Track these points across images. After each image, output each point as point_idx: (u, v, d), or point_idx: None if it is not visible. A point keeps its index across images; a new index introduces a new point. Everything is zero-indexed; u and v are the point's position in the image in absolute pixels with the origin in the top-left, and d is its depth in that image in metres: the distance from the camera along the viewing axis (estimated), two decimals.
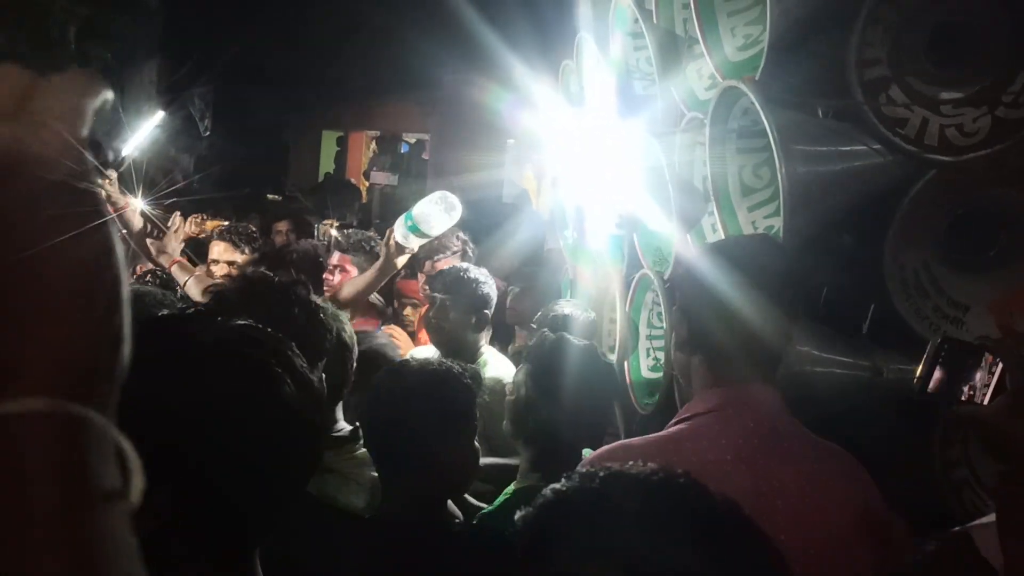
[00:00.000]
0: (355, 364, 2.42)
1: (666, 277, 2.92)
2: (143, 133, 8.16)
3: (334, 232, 4.36)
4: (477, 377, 2.18)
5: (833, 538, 1.57)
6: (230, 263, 4.25)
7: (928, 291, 2.09)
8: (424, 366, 2.17)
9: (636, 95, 3.11)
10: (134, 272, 4.10)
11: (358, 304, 3.57)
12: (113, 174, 3.82)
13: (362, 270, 3.99)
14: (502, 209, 6.98)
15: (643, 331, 3.13)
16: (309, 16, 10.17)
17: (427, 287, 3.89)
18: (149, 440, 1.02)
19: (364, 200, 12.01)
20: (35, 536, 0.49)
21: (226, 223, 4.84)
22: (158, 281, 3.76)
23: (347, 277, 3.90)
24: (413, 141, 13.77)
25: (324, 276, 3.98)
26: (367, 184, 12.94)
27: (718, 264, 1.66)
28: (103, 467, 0.54)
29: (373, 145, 14.11)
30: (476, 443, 2.14)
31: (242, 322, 1.16)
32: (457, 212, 3.29)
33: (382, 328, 4.03)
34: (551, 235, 4.56)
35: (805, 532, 1.52)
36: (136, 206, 4.24)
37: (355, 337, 2.61)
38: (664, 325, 2.93)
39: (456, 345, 3.30)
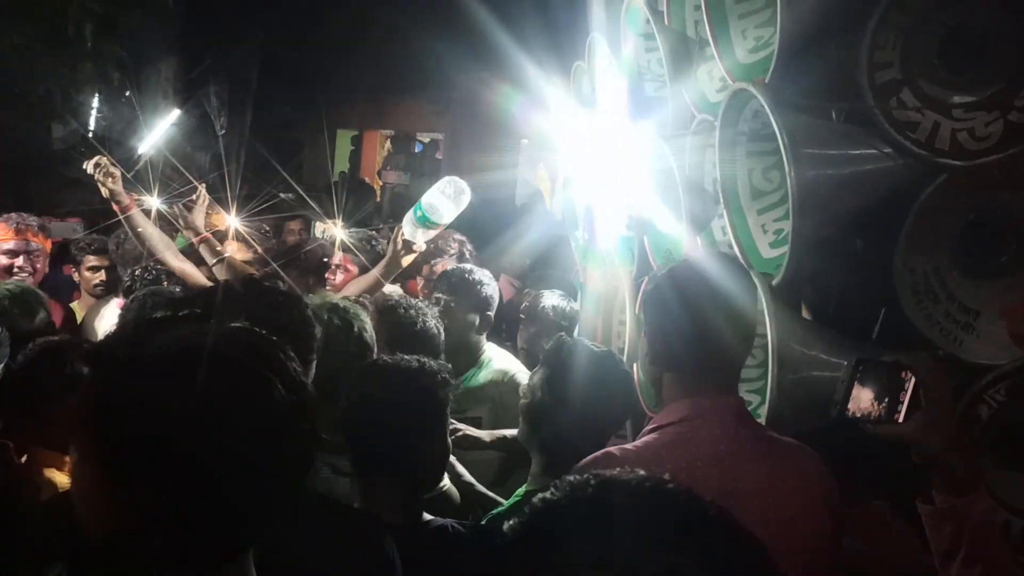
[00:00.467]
0: None
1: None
2: (159, 131, 8.21)
3: (338, 232, 4.37)
4: (451, 373, 2.21)
5: (797, 527, 1.70)
6: (244, 261, 4.28)
7: (939, 296, 2.08)
8: (399, 364, 2.18)
9: (647, 97, 3.10)
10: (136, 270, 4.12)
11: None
12: (118, 172, 3.83)
13: (364, 269, 4.01)
14: (515, 209, 6.98)
15: None
16: (325, 16, 10.20)
17: (427, 289, 3.91)
18: (138, 439, 1.03)
19: (378, 199, 12.04)
20: None
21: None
22: (150, 277, 3.78)
23: (349, 277, 3.92)
24: (427, 140, 13.79)
25: (327, 275, 4.00)
26: (381, 183, 12.98)
27: (685, 286, 1.80)
28: None
29: (388, 144, 14.14)
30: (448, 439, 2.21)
31: (234, 324, 1.16)
32: (466, 196, 3.31)
33: None
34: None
35: (772, 525, 1.61)
36: (152, 204, 4.27)
37: (374, 337, 2.64)
38: None
39: (459, 345, 3.32)
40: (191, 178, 4.77)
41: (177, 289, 3.51)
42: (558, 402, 2.36)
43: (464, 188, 3.32)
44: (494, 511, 2.46)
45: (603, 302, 3.57)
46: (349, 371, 2.21)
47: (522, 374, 3.23)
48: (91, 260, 4.66)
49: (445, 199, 3.33)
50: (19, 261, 4.32)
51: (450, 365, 2.27)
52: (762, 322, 2.08)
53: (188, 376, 1.04)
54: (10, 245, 4.34)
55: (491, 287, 3.42)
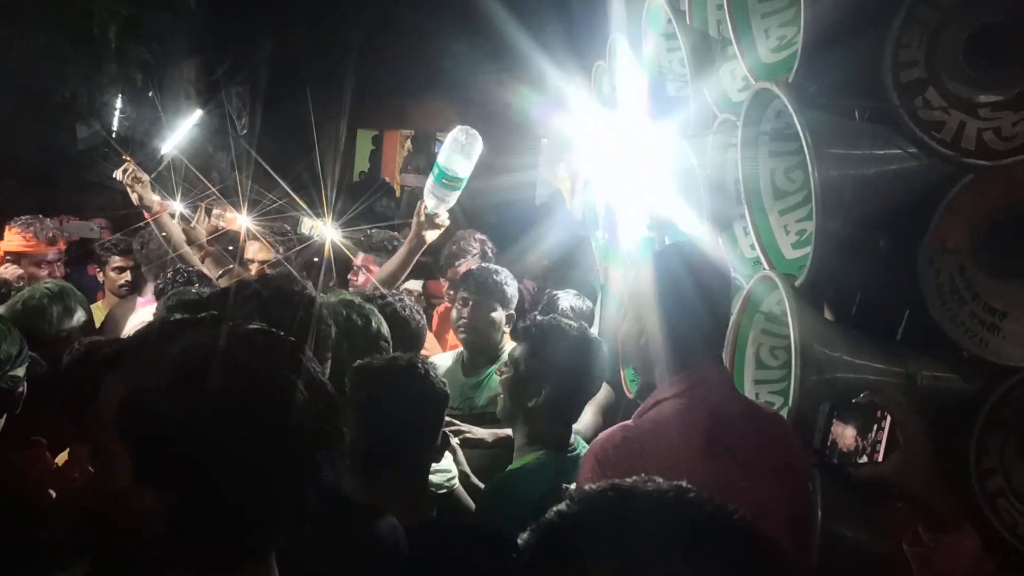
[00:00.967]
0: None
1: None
2: (181, 132, 8.26)
3: (327, 230, 4.36)
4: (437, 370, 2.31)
5: (793, 476, 1.94)
6: (263, 262, 4.30)
7: (964, 297, 2.06)
8: (396, 363, 2.20)
9: (668, 96, 3.09)
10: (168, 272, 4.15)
11: (389, 287, 3.59)
12: (146, 178, 3.87)
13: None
14: (535, 209, 6.96)
15: None
16: (345, 16, 10.22)
17: (453, 290, 3.91)
18: (160, 441, 1.03)
19: (397, 198, 12.04)
20: None
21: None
22: (182, 280, 3.81)
23: (371, 279, 3.93)
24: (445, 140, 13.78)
25: (349, 276, 4.02)
26: (401, 184, 12.99)
27: (677, 266, 1.98)
28: None
29: (408, 144, 14.14)
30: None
31: (255, 327, 1.16)
32: (478, 143, 3.30)
33: None
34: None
35: (776, 476, 1.87)
36: (175, 209, 4.30)
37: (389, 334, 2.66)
38: None
39: (483, 344, 3.35)
40: (208, 183, 4.80)
41: (205, 291, 3.53)
42: (539, 375, 2.50)
43: (475, 135, 3.30)
44: (491, 483, 2.54)
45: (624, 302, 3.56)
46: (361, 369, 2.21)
47: None
48: (116, 261, 4.70)
49: (458, 153, 3.32)
50: (43, 271, 4.38)
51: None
52: (785, 323, 2.06)
53: (209, 380, 1.04)
54: (31, 253, 4.41)
55: (513, 286, 3.51)
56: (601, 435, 1.95)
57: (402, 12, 9.52)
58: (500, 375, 2.71)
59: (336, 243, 4.28)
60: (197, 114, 8.86)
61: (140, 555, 1.12)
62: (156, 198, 3.96)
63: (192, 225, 4.04)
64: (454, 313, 3.52)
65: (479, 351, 3.40)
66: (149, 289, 4.42)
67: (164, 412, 1.05)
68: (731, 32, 2.43)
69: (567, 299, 3.78)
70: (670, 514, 0.77)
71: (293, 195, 4.88)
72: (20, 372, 1.92)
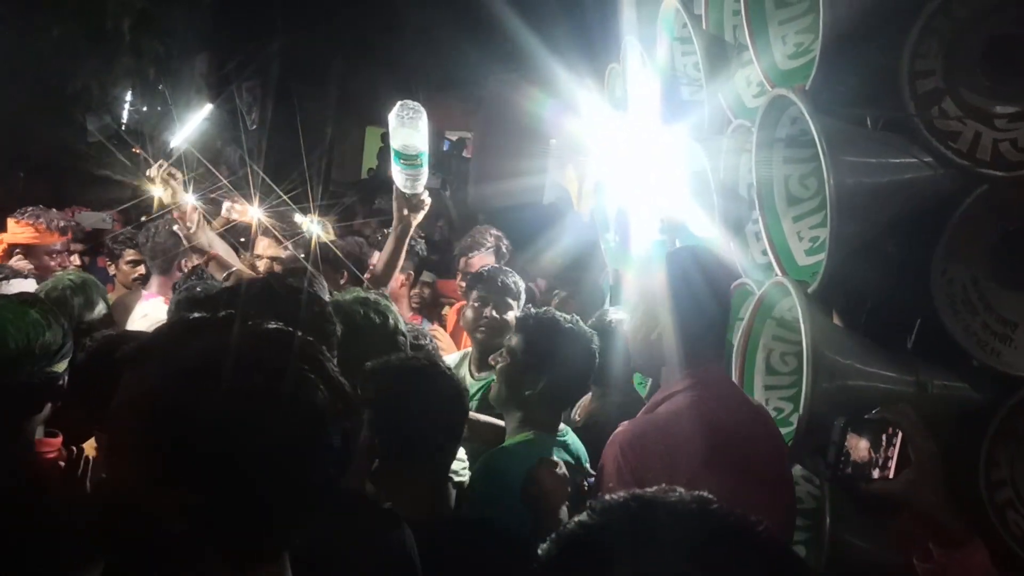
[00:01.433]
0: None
1: None
2: (191, 126, 8.27)
3: (315, 227, 4.36)
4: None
5: (783, 463, 2.10)
6: (274, 258, 4.30)
7: (976, 307, 2.06)
8: (425, 361, 2.23)
9: (682, 100, 3.09)
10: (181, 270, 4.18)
11: (389, 277, 3.59)
12: (180, 176, 3.89)
13: (403, 270, 4.02)
14: (544, 211, 6.96)
15: None
16: (356, 14, 10.23)
17: (465, 282, 3.91)
18: (179, 441, 1.04)
19: None
20: None
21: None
22: (198, 276, 3.82)
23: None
24: (455, 139, 13.79)
25: (365, 276, 4.02)
26: None
27: (690, 266, 2.05)
28: None
29: None
30: None
31: (273, 326, 1.16)
32: (422, 113, 3.25)
33: (426, 326, 4.06)
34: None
35: (774, 462, 2.03)
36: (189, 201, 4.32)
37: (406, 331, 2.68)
38: None
39: (495, 344, 3.36)
40: (220, 177, 4.81)
41: (215, 287, 3.54)
42: (534, 366, 2.58)
43: (415, 107, 3.26)
44: (482, 461, 2.55)
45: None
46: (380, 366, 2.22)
47: None
48: (130, 254, 4.72)
49: (405, 128, 3.29)
50: (53, 262, 4.40)
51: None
52: (797, 329, 2.07)
53: (230, 379, 1.04)
54: (40, 244, 4.43)
55: (522, 286, 3.54)
56: (624, 426, 2.03)
57: (415, 11, 9.52)
58: (494, 363, 2.75)
59: (334, 243, 4.29)
60: (207, 108, 8.88)
61: (154, 554, 1.12)
62: (187, 197, 3.98)
63: (193, 231, 4.05)
64: (469, 313, 3.52)
65: (493, 351, 3.41)
66: (154, 282, 4.43)
67: (183, 411, 1.05)
68: (747, 37, 2.43)
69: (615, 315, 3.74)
70: (693, 525, 0.76)
71: (283, 196, 4.89)
72: (61, 367, 1.90)
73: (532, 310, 2.83)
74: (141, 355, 1.11)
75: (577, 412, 3.17)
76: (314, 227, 4.34)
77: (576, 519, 0.81)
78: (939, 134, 2.02)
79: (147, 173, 3.91)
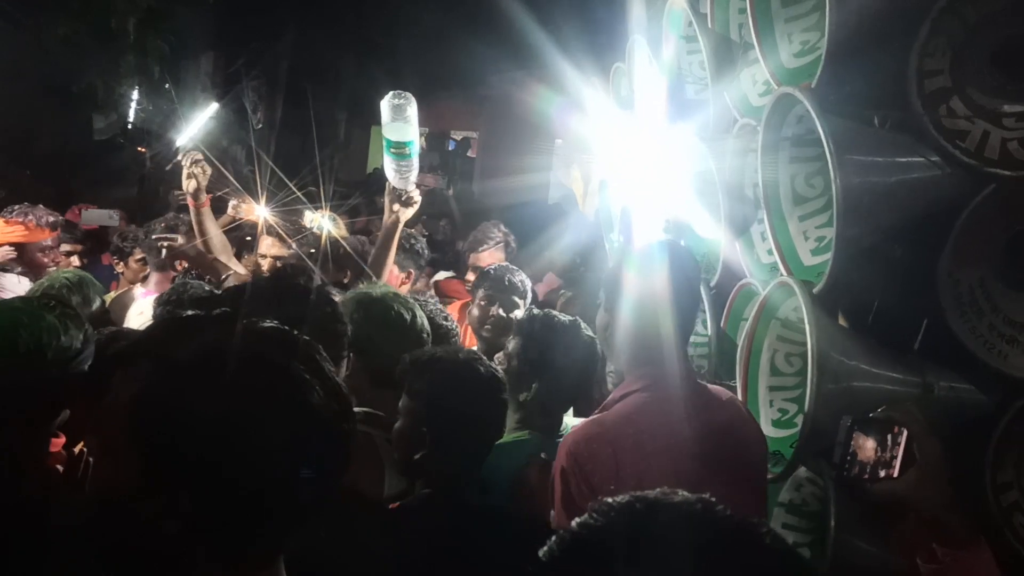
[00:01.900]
0: None
1: (713, 284, 2.89)
2: (197, 124, 8.28)
3: (325, 222, 4.35)
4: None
5: (756, 450, 2.12)
6: (277, 258, 4.31)
7: (983, 309, 2.04)
8: (471, 357, 2.23)
9: (687, 99, 3.08)
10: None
11: (380, 274, 3.59)
12: (209, 170, 3.91)
13: (402, 268, 4.02)
14: (548, 210, 6.96)
15: None
16: (362, 14, 10.23)
17: (470, 282, 3.90)
18: (172, 442, 1.02)
19: None
20: None
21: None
22: (195, 275, 3.82)
23: (389, 277, 3.92)
24: (459, 139, 13.80)
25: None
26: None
27: (647, 266, 2.08)
28: None
29: (421, 141, 14.17)
30: None
31: (271, 324, 1.15)
32: (412, 103, 3.27)
33: None
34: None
35: (741, 451, 2.06)
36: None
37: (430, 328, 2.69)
38: (708, 332, 2.90)
39: (504, 341, 3.38)
40: (228, 175, 4.81)
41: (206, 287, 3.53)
42: (533, 368, 2.61)
43: (406, 96, 3.28)
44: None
45: None
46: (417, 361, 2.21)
47: None
48: (140, 253, 4.72)
49: (397, 117, 3.31)
50: (45, 258, 4.41)
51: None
52: (802, 330, 2.05)
53: (222, 378, 1.03)
54: (31, 241, 4.44)
55: (529, 284, 3.60)
56: (575, 428, 2.08)
57: (420, 10, 9.52)
58: (498, 364, 2.78)
59: (345, 238, 4.28)
60: (213, 107, 8.89)
61: (146, 557, 1.11)
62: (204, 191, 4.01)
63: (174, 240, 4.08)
64: (475, 311, 3.52)
65: (498, 349, 3.42)
66: (152, 279, 4.44)
67: (173, 408, 1.04)
68: (753, 36, 2.42)
69: None
70: (697, 527, 0.76)
71: (296, 193, 4.89)
72: (79, 369, 1.86)
73: (531, 313, 2.85)
74: (133, 352, 1.10)
75: None
76: (325, 222, 4.34)
77: (578, 520, 0.81)
78: (947, 133, 2.00)
79: (180, 159, 3.95)
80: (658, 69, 3.23)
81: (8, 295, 3.38)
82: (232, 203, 5.51)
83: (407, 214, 3.52)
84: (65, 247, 4.77)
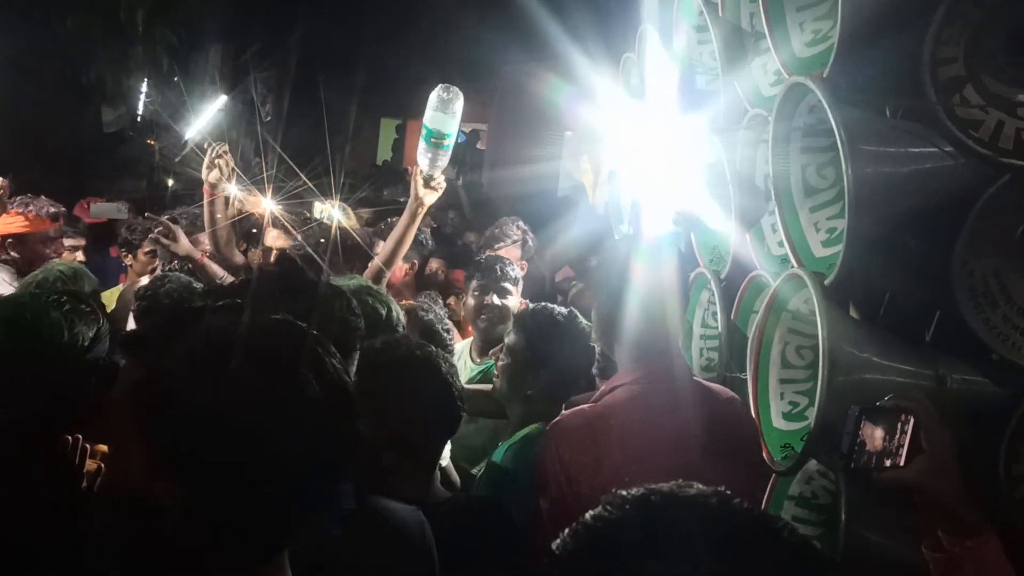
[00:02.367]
0: None
1: (723, 276, 2.87)
2: (205, 117, 8.28)
3: (336, 212, 4.34)
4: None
5: (748, 443, 2.13)
6: (282, 250, 4.31)
7: (997, 300, 2.02)
8: (416, 345, 2.20)
9: (698, 89, 3.05)
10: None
11: (396, 257, 3.60)
12: (232, 163, 3.92)
13: (407, 260, 4.02)
14: (558, 201, 6.94)
15: (697, 330, 3.08)
16: (371, 4, 10.21)
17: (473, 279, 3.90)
18: (170, 434, 1.01)
19: None
20: None
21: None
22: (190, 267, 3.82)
23: (396, 266, 3.93)
24: (469, 131, 13.77)
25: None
26: None
27: (646, 261, 2.14)
28: None
29: None
30: None
31: (276, 318, 1.14)
32: (460, 99, 3.36)
33: None
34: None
35: (731, 444, 2.09)
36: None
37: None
38: (719, 325, 2.88)
39: (501, 331, 3.40)
40: (237, 168, 4.81)
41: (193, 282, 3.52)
42: (534, 362, 2.66)
43: (455, 91, 3.38)
44: (489, 462, 2.62)
45: None
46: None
47: None
48: (148, 246, 4.73)
49: (441, 111, 3.38)
50: (47, 249, 4.42)
51: None
52: (813, 322, 2.03)
53: (224, 371, 1.02)
54: (33, 232, 4.45)
55: (518, 273, 3.69)
56: (563, 416, 2.12)
57: (431, 1, 9.50)
58: (495, 359, 2.81)
59: (354, 230, 4.28)
60: (222, 99, 8.89)
61: (158, 551, 1.10)
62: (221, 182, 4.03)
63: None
64: (471, 301, 3.54)
65: (493, 339, 3.44)
66: (159, 271, 4.44)
67: (177, 402, 1.03)
68: (765, 25, 2.39)
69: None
70: (713, 520, 0.75)
71: (308, 183, 4.89)
72: (95, 362, 1.84)
73: (530, 307, 2.90)
74: (134, 345, 1.10)
75: None
76: (336, 212, 4.34)
77: (592, 513, 0.81)
78: (961, 122, 1.97)
79: (205, 146, 3.98)
80: (668, 59, 3.21)
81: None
82: (240, 195, 5.51)
83: (432, 198, 3.56)
84: (69, 241, 4.77)
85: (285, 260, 3.89)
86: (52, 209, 4.69)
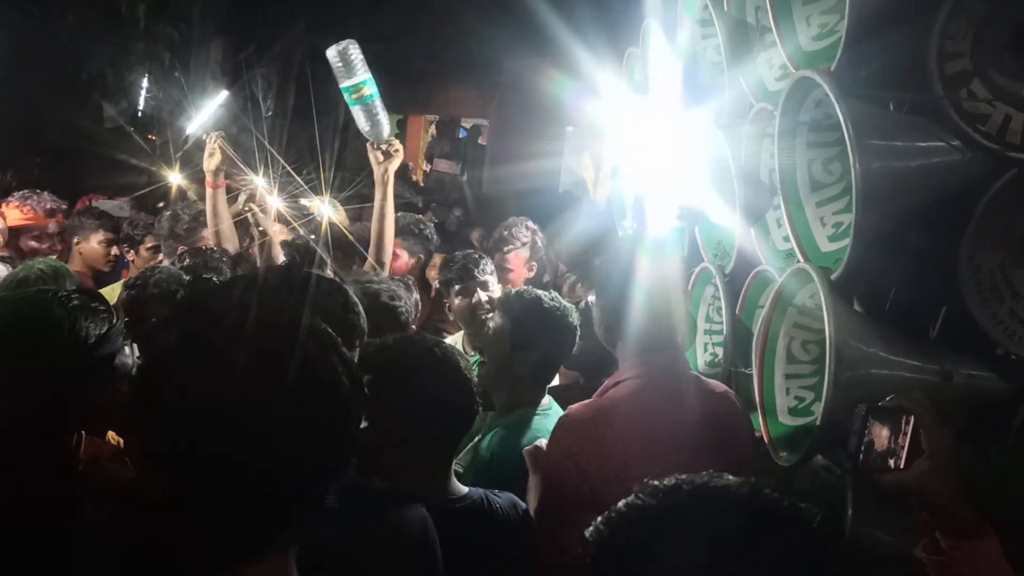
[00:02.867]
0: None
1: (727, 271, 2.87)
2: (207, 112, 8.27)
3: (326, 208, 4.33)
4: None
5: (745, 437, 2.24)
6: (284, 243, 4.30)
7: (1003, 294, 2.02)
8: (433, 342, 2.19)
9: (702, 84, 3.04)
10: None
11: (387, 236, 3.60)
12: (229, 153, 3.92)
13: (412, 254, 4.01)
14: (559, 197, 6.93)
15: (701, 326, 3.08)
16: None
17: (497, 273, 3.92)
18: (165, 425, 1.01)
19: (421, 183, 12.04)
20: None
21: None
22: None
23: (397, 261, 3.93)
24: (470, 126, 13.76)
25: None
26: (428, 168, 13.00)
27: (648, 257, 2.15)
28: None
29: (432, 129, 14.14)
30: None
31: (283, 312, 1.12)
32: (352, 45, 3.32)
33: None
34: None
35: (730, 439, 2.14)
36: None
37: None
38: (723, 320, 2.87)
39: (476, 327, 3.46)
40: (242, 165, 4.80)
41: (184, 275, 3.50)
42: (521, 343, 2.68)
43: (341, 45, 3.35)
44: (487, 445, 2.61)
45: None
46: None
47: None
48: (151, 240, 4.72)
49: (344, 68, 3.36)
50: (44, 244, 4.41)
51: None
52: (819, 317, 2.03)
53: (228, 367, 1.01)
54: (31, 226, 4.45)
55: (490, 268, 3.69)
56: (571, 409, 2.13)
57: None
58: (475, 348, 2.83)
59: (343, 226, 4.27)
60: (223, 95, 8.87)
61: (164, 544, 1.10)
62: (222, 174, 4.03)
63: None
64: (458, 303, 3.57)
65: (472, 333, 3.48)
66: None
67: (169, 394, 1.02)
68: (771, 19, 2.39)
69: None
70: (742, 509, 0.76)
71: (296, 178, 4.87)
72: (103, 359, 1.82)
73: (512, 290, 2.90)
74: (154, 340, 1.09)
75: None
76: (325, 208, 4.32)
77: (625, 501, 0.83)
78: (968, 117, 1.97)
79: (205, 139, 3.98)
80: (673, 54, 3.20)
81: None
82: (242, 198, 5.50)
83: (394, 164, 3.54)
84: (101, 236, 4.75)
85: (288, 254, 3.89)
86: (51, 205, 4.68)
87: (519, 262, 4.13)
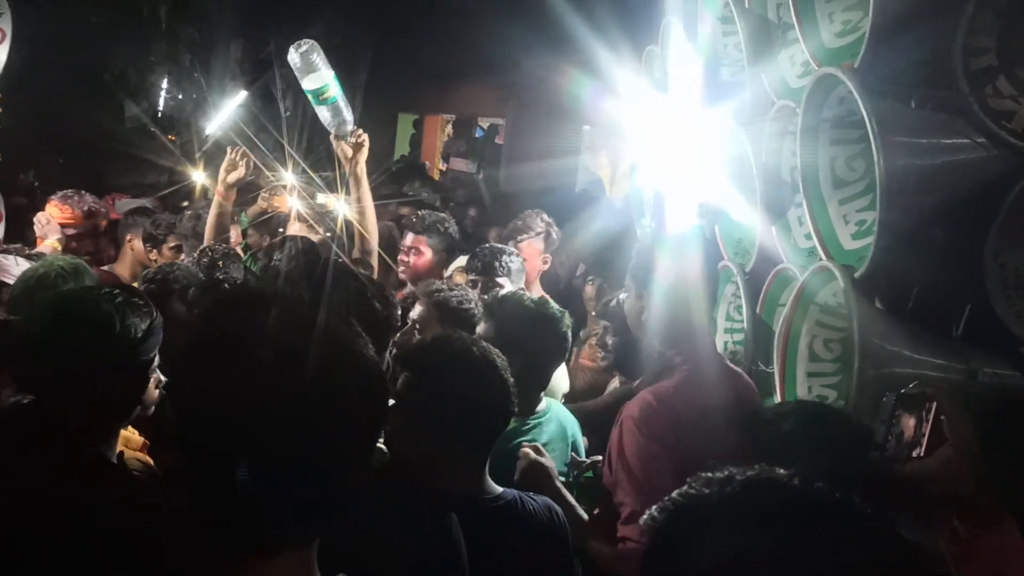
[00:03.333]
0: None
1: (747, 269, 2.86)
2: (226, 112, 8.31)
3: (339, 205, 4.33)
4: None
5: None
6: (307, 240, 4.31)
7: None
8: (471, 341, 2.17)
9: (723, 82, 3.04)
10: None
11: (371, 224, 3.60)
12: (251, 167, 3.94)
13: (436, 252, 4.01)
14: (576, 196, 6.92)
15: (721, 324, 3.07)
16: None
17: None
18: (194, 424, 1.02)
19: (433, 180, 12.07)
20: None
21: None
22: (206, 260, 3.81)
23: (421, 259, 3.93)
24: (487, 126, 13.76)
25: (399, 258, 4.02)
26: (444, 167, 13.01)
27: (680, 251, 2.22)
28: None
29: (449, 128, 14.16)
30: None
31: (313, 310, 1.14)
32: (311, 47, 3.31)
33: None
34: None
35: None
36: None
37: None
38: (743, 318, 2.87)
39: None
40: (262, 166, 4.82)
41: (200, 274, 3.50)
42: (506, 349, 2.49)
43: (303, 45, 3.34)
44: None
45: None
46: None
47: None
48: (173, 240, 4.75)
49: (305, 70, 3.35)
50: (81, 245, 4.46)
51: None
52: (842, 315, 2.02)
53: (257, 363, 1.02)
54: (68, 225, 4.50)
55: (518, 263, 3.66)
56: (636, 399, 2.18)
57: None
58: None
59: (388, 224, 4.27)
60: (242, 95, 8.92)
61: (158, 550, 1.11)
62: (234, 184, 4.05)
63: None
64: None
65: None
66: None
67: (201, 394, 1.03)
68: (793, 16, 2.38)
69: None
70: (795, 501, 0.78)
71: (313, 176, 4.88)
72: (147, 356, 1.83)
73: (498, 294, 2.86)
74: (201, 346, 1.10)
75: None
76: (340, 206, 4.33)
77: (680, 491, 0.85)
78: (993, 113, 1.96)
79: (229, 151, 4.00)
80: (693, 51, 3.20)
81: (7, 277, 3.36)
82: (263, 194, 5.52)
83: (363, 155, 3.54)
84: (172, 242, 4.78)
85: (311, 252, 3.90)
86: (90, 207, 4.73)
87: (533, 252, 4.11)
